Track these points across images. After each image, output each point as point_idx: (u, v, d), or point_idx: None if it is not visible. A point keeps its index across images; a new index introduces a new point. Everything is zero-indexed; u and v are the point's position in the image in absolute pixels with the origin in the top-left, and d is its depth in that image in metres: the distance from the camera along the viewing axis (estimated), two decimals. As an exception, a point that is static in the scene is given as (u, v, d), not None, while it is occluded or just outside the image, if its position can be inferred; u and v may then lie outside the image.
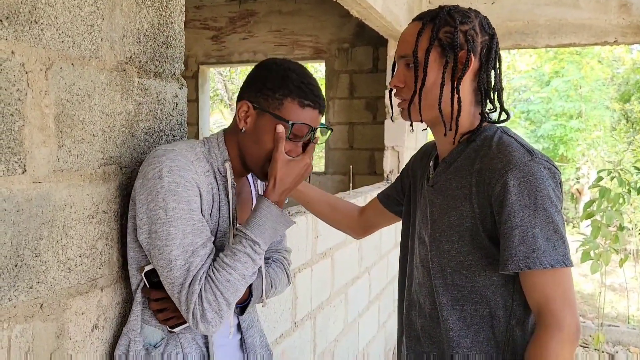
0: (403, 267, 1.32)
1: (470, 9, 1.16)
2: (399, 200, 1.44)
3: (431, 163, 1.26)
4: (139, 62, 1.20)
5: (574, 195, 10.03)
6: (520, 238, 1.02)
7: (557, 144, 9.62)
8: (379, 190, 1.59)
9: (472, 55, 1.10)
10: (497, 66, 1.17)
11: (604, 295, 4.82)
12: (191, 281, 1.01)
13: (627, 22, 3.70)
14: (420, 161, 1.35)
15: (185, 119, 1.38)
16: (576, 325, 1.02)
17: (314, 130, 1.14)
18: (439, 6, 1.15)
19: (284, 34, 5.04)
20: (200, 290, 1.01)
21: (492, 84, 1.16)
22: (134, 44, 1.18)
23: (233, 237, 1.13)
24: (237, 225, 1.16)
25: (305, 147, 1.16)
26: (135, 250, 1.11)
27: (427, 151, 1.34)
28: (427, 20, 1.13)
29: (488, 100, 1.17)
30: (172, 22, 1.30)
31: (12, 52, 0.90)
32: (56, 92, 0.99)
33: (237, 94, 1.16)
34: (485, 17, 1.17)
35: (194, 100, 5.32)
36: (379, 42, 4.60)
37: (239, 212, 1.21)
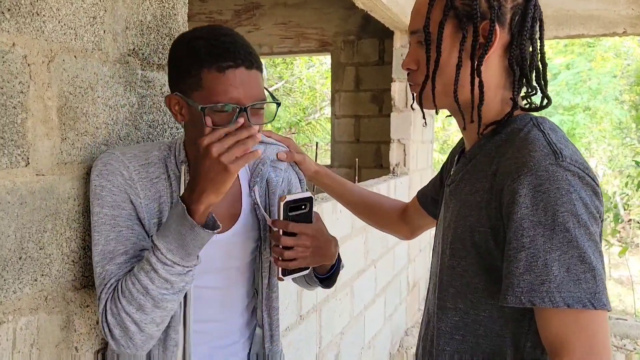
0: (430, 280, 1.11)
1: None
2: (436, 200, 1.19)
3: (456, 157, 1.06)
4: (142, 54, 1.19)
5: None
6: (526, 264, 0.79)
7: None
8: (385, 183, 1.57)
9: (496, 26, 0.87)
10: (536, 37, 0.92)
11: (612, 289, 4.79)
12: (101, 290, 0.95)
13: (636, 13, 3.65)
14: (452, 155, 1.13)
15: (189, 112, 1.37)
16: None
17: (244, 108, 0.91)
18: None
19: (289, 26, 5.02)
20: (107, 300, 0.94)
21: (528, 60, 0.91)
22: (137, 36, 1.17)
23: None
24: None
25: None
26: None
27: (462, 143, 1.09)
28: None
29: (524, 81, 0.93)
30: (175, 14, 1.29)
31: (14, 44, 0.90)
32: (59, 84, 0.99)
33: None
34: None
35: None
36: (384, 34, 4.57)
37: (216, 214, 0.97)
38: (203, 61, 0.91)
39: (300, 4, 4.97)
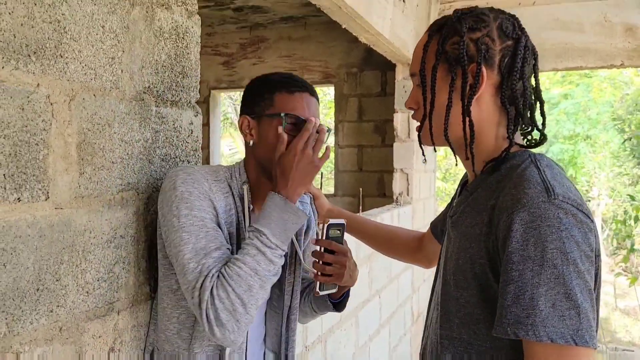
0: (429, 308, 1.13)
1: (492, 8, 0.97)
2: (444, 231, 1.19)
3: (459, 190, 1.10)
4: (157, 91, 1.24)
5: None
6: (514, 296, 0.81)
7: (566, 165, 9.60)
8: (389, 212, 1.61)
9: (483, 68, 0.92)
10: (528, 76, 0.95)
11: (619, 319, 4.75)
12: (202, 280, 1.01)
13: (632, 46, 3.74)
14: (459, 186, 1.15)
15: (200, 146, 1.42)
16: None
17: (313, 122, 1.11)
18: (454, 11, 0.99)
19: (293, 59, 5.13)
20: (212, 287, 1.00)
21: (521, 99, 0.94)
22: (152, 74, 1.22)
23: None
24: None
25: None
26: (165, 267, 1.14)
27: (466, 175, 1.12)
28: (434, 30, 0.98)
29: (520, 119, 0.96)
30: (188, 53, 1.35)
31: (39, 85, 0.95)
32: (79, 121, 1.03)
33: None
34: (511, 17, 0.96)
35: (205, 125, 5.41)
36: (386, 67, 4.66)
37: None
38: (275, 87, 1.15)
39: (304, 37, 5.10)
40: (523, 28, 0.96)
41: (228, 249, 1.09)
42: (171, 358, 1.14)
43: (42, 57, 0.95)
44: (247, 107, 1.19)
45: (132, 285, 1.19)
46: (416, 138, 1.38)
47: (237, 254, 1.05)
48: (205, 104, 5.43)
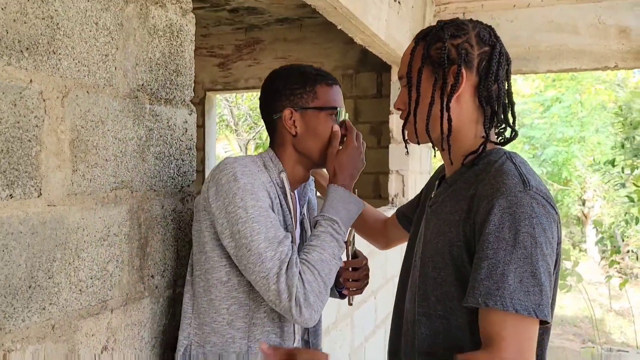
0: (400, 290, 1.21)
1: (471, 20, 1.09)
2: (411, 219, 1.35)
3: (436, 182, 1.22)
4: (151, 89, 1.24)
5: (580, 219, 9.99)
6: (487, 272, 0.91)
7: (560, 168, 9.64)
8: (385, 214, 1.61)
9: (463, 69, 1.02)
10: (502, 79, 1.07)
11: (613, 321, 4.76)
12: (287, 266, 1.05)
13: (626, 48, 3.76)
14: (432, 180, 1.30)
15: (195, 144, 1.41)
16: None
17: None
18: (437, 21, 1.11)
19: (289, 60, 5.13)
20: (300, 272, 1.06)
21: (495, 99, 1.05)
22: (146, 72, 1.22)
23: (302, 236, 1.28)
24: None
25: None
26: (213, 260, 1.16)
27: (441, 170, 1.27)
28: (420, 38, 1.10)
29: (495, 118, 1.07)
30: (182, 51, 1.34)
31: (31, 81, 0.94)
32: (72, 118, 1.03)
33: (257, 113, 1.31)
34: (488, 27, 1.08)
35: (200, 126, 5.40)
36: (382, 68, 4.67)
37: None
38: (315, 79, 1.22)
39: (299, 39, 5.10)
40: (498, 37, 1.08)
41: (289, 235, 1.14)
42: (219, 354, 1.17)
43: (35, 53, 0.95)
44: (285, 101, 1.21)
45: (125, 283, 1.18)
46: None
47: (311, 241, 1.12)
48: (200, 106, 5.42)
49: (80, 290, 1.06)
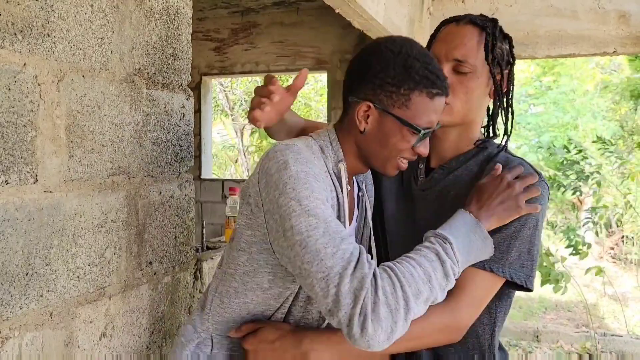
0: None
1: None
2: None
3: (421, 166, 1.20)
4: (148, 73, 1.22)
5: (575, 205, 10.04)
6: (495, 243, 1.03)
7: (556, 153, 9.65)
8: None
9: (510, 76, 1.15)
10: (512, 90, 1.18)
11: (607, 306, 4.80)
12: (354, 266, 0.85)
13: (625, 33, 3.73)
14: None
15: (192, 129, 1.40)
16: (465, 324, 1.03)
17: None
18: (491, 18, 1.14)
19: (286, 45, 5.08)
20: (375, 276, 0.84)
21: (505, 106, 1.17)
22: (142, 56, 1.20)
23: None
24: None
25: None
26: (257, 264, 1.00)
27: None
28: (489, 31, 1.11)
29: (495, 120, 1.19)
30: (179, 35, 1.32)
31: (25, 65, 0.92)
32: (67, 103, 1.01)
33: (343, 87, 1.03)
34: None
35: (196, 111, 5.36)
36: (380, 53, 4.63)
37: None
38: (418, 83, 0.96)
39: (296, 23, 5.04)
40: None
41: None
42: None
43: (29, 35, 0.93)
44: (370, 91, 0.98)
45: (123, 270, 1.17)
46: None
47: (409, 253, 0.93)
48: (196, 90, 5.37)
49: (77, 277, 1.05)
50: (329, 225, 0.88)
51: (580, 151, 4.83)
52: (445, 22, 1.17)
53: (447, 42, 1.11)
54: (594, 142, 5.04)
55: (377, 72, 0.97)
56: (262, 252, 0.97)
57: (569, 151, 5.02)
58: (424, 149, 1.02)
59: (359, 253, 0.88)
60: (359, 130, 1.01)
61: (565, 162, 5.00)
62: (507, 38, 1.15)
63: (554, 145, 5.21)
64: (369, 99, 0.98)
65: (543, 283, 3.89)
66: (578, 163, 4.89)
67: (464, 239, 0.96)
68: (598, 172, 4.79)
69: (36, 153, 0.95)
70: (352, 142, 1.03)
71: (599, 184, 4.85)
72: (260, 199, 0.95)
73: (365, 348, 0.83)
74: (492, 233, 1.01)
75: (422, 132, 0.98)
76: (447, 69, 1.09)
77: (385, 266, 0.88)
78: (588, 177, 4.83)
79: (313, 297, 0.88)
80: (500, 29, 1.13)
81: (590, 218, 5.21)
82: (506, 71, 1.13)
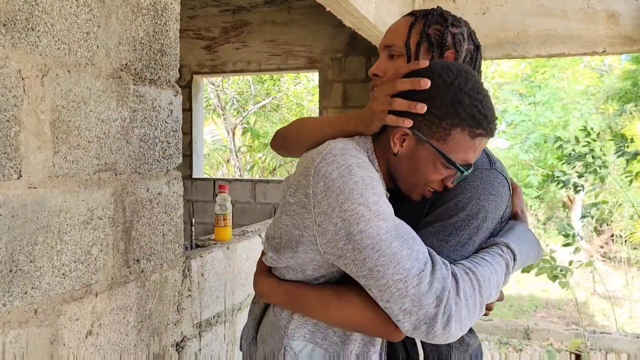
0: None
1: (461, 18, 1.15)
2: None
3: None
4: (135, 69, 1.21)
5: (566, 204, 10.11)
6: (445, 235, 1.01)
7: (547, 152, 9.71)
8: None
9: (458, 58, 1.08)
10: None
11: (597, 304, 4.84)
12: (432, 266, 0.86)
13: (615, 33, 3.76)
14: None
15: (180, 126, 1.38)
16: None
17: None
18: (437, 7, 1.14)
19: (277, 43, 5.07)
20: (455, 275, 0.87)
21: None
22: (129, 51, 1.19)
23: None
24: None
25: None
26: (305, 271, 0.98)
27: None
28: (420, 16, 1.11)
29: None
30: (167, 30, 1.31)
31: (8, 58, 0.91)
32: (52, 98, 1.00)
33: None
34: (473, 30, 1.16)
35: (187, 110, 5.33)
36: (371, 52, 4.64)
37: None
38: (462, 121, 0.92)
39: (288, 22, 5.03)
40: (479, 41, 1.14)
41: None
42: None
43: (13, 29, 0.91)
44: (413, 116, 0.94)
45: (110, 267, 1.16)
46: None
47: (484, 256, 0.94)
48: (187, 89, 5.35)
49: (63, 274, 1.04)
50: (400, 228, 0.88)
51: (589, 142, 4.80)
52: None
53: (386, 33, 1.15)
54: (580, 130, 5.06)
55: (423, 98, 0.93)
56: (309, 251, 0.94)
57: (578, 142, 4.98)
58: (452, 183, 0.99)
59: (433, 253, 0.89)
60: (393, 152, 0.98)
61: (572, 155, 4.97)
62: (461, 23, 1.10)
63: (560, 139, 5.15)
64: (410, 120, 0.94)
65: (553, 279, 3.90)
66: (585, 156, 4.87)
67: (524, 255, 0.99)
68: (605, 166, 4.79)
69: (20, 148, 0.94)
70: (384, 159, 1.00)
71: (602, 179, 4.87)
72: (312, 202, 0.92)
73: (440, 342, 0.87)
74: (435, 221, 0.97)
75: (465, 171, 0.95)
76: (382, 57, 1.12)
77: (465, 267, 0.90)
78: (595, 170, 4.81)
79: (380, 297, 0.87)
80: (443, 14, 1.10)
81: (589, 212, 5.24)
82: (448, 53, 1.06)
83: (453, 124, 0.92)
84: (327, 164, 0.92)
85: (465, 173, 0.95)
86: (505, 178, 1.04)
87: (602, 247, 8.84)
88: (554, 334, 4.80)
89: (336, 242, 0.89)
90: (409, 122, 0.93)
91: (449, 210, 0.98)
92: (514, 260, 0.96)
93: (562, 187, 5.03)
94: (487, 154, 1.06)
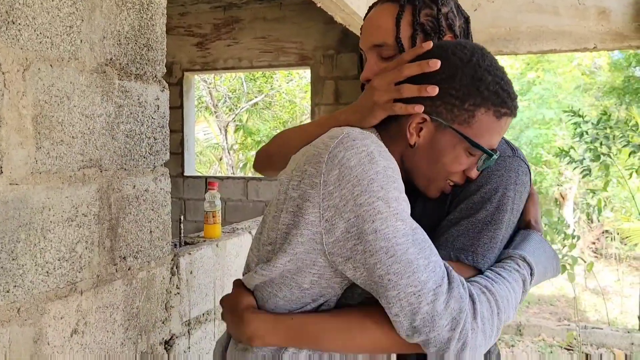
0: None
1: None
2: None
3: None
4: (120, 64, 1.19)
5: (558, 201, 10.16)
6: (465, 229, 0.93)
7: (539, 150, 9.75)
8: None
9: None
10: None
11: (588, 299, 4.87)
12: (449, 282, 0.76)
13: (605, 29, 3.77)
14: None
15: (167, 122, 1.37)
16: None
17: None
18: None
19: (269, 40, 5.05)
20: (472, 296, 0.76)
21: None
22: (114, 45, 1.17)
23: None
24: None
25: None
26: (294, 287, 0.83)
27: None
28: (405, 2, 0.95)
29: None
30: (153, 25, 1.29)
31: (-11, 52, 0.89)
32: (34, 93, 0.98)
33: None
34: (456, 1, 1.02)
35: (178, 107, 5.30)
36: (363, 49, 4.63)
37: None
38: (485, 100, 0.84)
39: (279, 18, 5.01)
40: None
41: None
42: None
43: (-8, 22, 0.89)
44: (430, 101, 0.84)
45: (96, 265, 1.14)
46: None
47: (500, 272, 0.84)
48: (178, 87, 5.32)
49: (47, 272, 1.02)
50: (417, 233, 0.78)
51: (606, 128, 4.76)
52: (369, 10, 1.03)
53: (366, 32, 1.00)
54: (568, 114, 5.06)
55: (440, 80, 0.84)
56: (311, 252, 0.80)
57: (598, 123, 4.89)
58: (475, 174, 0.89)
59: (447, 267, 0.79)
60: (409, 143, 0.87)
61: (586, 134, 4.89)
62: (445, 2, 0.97)
63: (579, 115, 5.02)
64: (426, 110, 0.84)
65: (562, 270, 3.94)
66: (596, 140, 4.83)
67: (542, 269, 0.90)
68: (609, 156, 4.79)
69: (1, 144, 0.92)
70: (396, 152, 0.88)
71: (606, 166, 4.86)
72: (320, 193, 0.78)
73: None
74: (462, 217, 0.88)
75: (493, 155, 0.86)
76: (373, 59, 0.98)
77: (482, 286, 0.79)
78: (599, 156, 4.78)
79: (389, 309, 0.76)
80: None
81: (584, 200, 5.27)
82: (447, 37, 0.95)
83: (476, 104, 0.83)
84: (345, 148, 0.78)
85: (494, 157, 0.86)
86: (528, 166, 0.94)
87: (593, 243, 8.90)
88: (546, 329, 4.82)
89: (346, 240, 0.77)
90: (419, 108, 0.83)
91: (475, 204, 0.87)
92: (531, 275, 0.86)
93: (574, 167, 4.96)
94: (505, 140, 0.96)
